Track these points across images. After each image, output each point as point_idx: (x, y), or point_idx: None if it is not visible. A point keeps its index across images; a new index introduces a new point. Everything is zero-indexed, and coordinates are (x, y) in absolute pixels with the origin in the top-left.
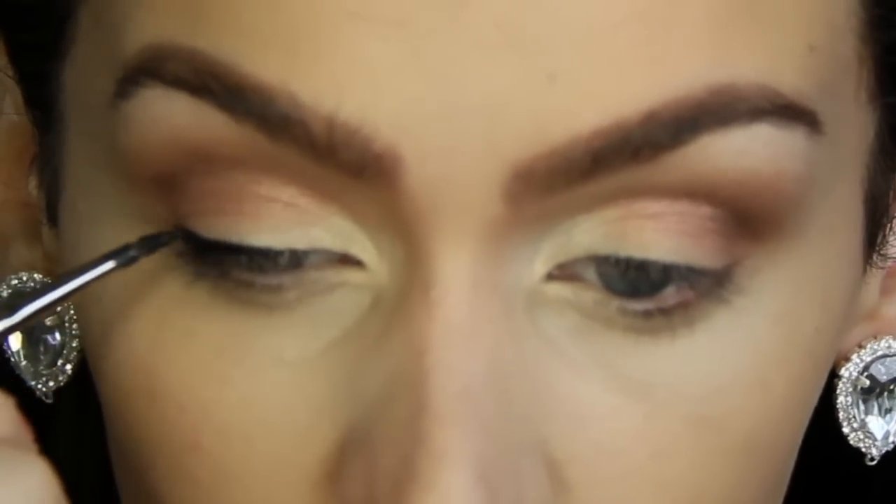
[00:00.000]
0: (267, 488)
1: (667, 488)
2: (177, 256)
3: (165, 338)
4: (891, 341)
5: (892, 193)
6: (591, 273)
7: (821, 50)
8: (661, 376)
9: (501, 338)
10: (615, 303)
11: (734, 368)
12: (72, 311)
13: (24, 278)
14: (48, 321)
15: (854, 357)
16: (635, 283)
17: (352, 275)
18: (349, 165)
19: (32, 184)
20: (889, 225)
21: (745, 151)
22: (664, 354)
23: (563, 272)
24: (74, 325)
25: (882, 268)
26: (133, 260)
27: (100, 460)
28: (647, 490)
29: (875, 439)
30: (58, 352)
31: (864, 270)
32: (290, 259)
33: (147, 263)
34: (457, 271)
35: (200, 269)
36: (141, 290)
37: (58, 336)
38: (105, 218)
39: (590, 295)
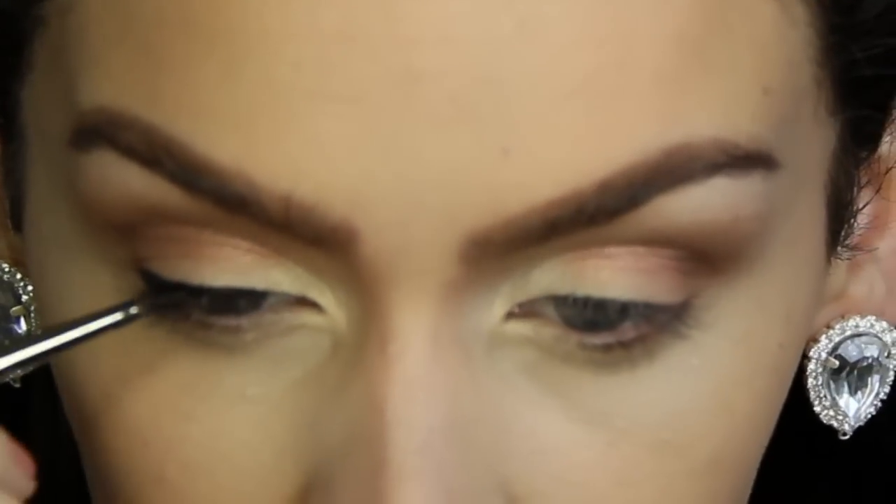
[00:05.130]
0: None
1: None
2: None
3: (129, 370)
4: (858, 320)
5: (855, 187)
6: (550, 310)
7: (776, 90)
8: (622, 406)
9: (461, 386)
10: (574, 338)
11: (696, 394)
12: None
13: None
14: (13, 309)
15: (822, 338)
16: (594, 320)
17: (310, 317)
18: (306, 237)
19: None
20: (853, 219)
21: (703, 207)
22: (624, 384)
23: (522, 310)
24: None
25: (848, 259)
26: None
27: (74, 444)
28: None
29: (847, 416)
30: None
31: (829, 263)
32: (249, 301)
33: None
34: (415, 326)
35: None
36: None
37: (23, 324)
38: (67, 247)
39: (549, 331)
